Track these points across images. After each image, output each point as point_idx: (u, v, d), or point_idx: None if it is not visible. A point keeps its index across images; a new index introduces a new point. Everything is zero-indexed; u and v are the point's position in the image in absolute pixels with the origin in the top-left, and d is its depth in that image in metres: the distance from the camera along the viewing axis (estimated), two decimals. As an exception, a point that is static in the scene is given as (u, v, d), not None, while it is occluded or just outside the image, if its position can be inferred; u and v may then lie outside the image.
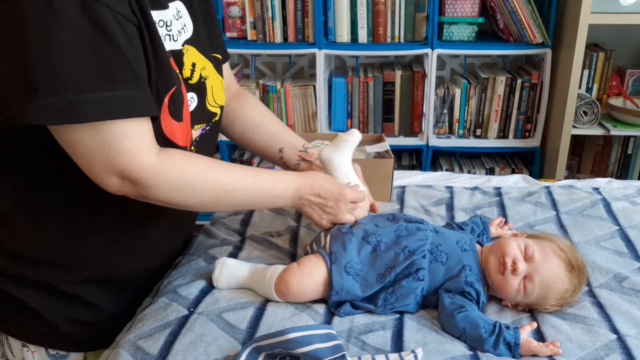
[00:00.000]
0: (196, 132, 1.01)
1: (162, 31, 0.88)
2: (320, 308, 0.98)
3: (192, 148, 0.99)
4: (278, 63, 2.57)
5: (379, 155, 1.45)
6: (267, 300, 0.99)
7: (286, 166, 1.21)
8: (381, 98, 2.35)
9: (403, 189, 1.46)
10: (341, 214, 1.05)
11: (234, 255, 1.13)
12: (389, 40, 2.28)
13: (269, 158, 1.24)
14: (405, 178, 1.57)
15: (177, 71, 0.92)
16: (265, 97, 2.38)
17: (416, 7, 2.24)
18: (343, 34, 2.27)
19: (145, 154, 0.82)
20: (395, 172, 1.55)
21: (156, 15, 0.87)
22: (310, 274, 0.98)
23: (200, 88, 0.99)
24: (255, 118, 1.21)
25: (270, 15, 2.26)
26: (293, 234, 1.22)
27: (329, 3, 2.23)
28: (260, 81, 2.40)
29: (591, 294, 1.03)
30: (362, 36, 2.27)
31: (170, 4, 0.92)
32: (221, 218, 1.31)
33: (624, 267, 1.10)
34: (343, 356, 0.82)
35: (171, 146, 0.91)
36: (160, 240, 1.09)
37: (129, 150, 0.81)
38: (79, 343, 1.04)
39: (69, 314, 1.01)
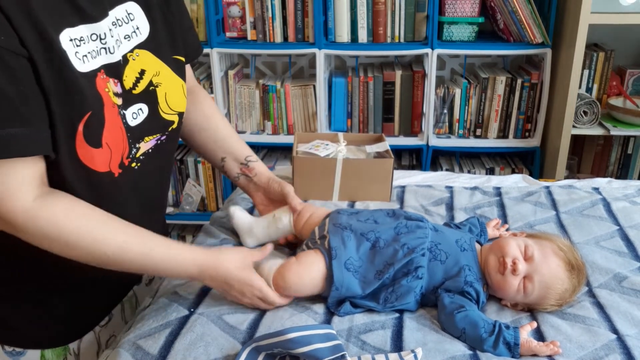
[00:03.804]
0: (148, 143, 0.96)
1: (94, 45, 0.83)
2: (320, 308, 0.98)
3: (134, 165, 0.94)
4: (278, 63, 2.56)
5: (379, 155, 1.45)
6: (267, 300, 0.99)
7: (227, 176, 1.20)
8: (381, 98, 2.35)
9: (403, 188, 1.46)
10: (245, 300, 0.97)
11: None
12: (389, 40, 2.28)
13: (213, 164, 1.21)
14: (405, 178, 1.57)
15: (107, 90, 0.85)
16: (265, 97, 2.38)
17: (416, 7, 2.24)
18: (343, 34, 2.27)
19: (15, 199, 0.78)
20: (395, 172, 1.55)
21: (86, 29, 0.81)
22: (309, 269, 0.98)
23: (148, 97, 0.93)
24: (202, 121, 1.16)
25: (270, 15, 2.26)
26: (293, 234, 1.22)
27: (329, 3, 2.22)
28: (260, 81, 2.40)
29: (591, 294, 1.03)
30: (362, 36, 2.27)
31: (117, 8, 0.88)
32: (220, 218, 1.31)
33: (623, 267, 1.10)
34: (343, 356, 0.82)
35: (90, 173, 0.86)
36: None
37: None
38: (34, 340, 1.01)
39: (19, 311, 0.98)
